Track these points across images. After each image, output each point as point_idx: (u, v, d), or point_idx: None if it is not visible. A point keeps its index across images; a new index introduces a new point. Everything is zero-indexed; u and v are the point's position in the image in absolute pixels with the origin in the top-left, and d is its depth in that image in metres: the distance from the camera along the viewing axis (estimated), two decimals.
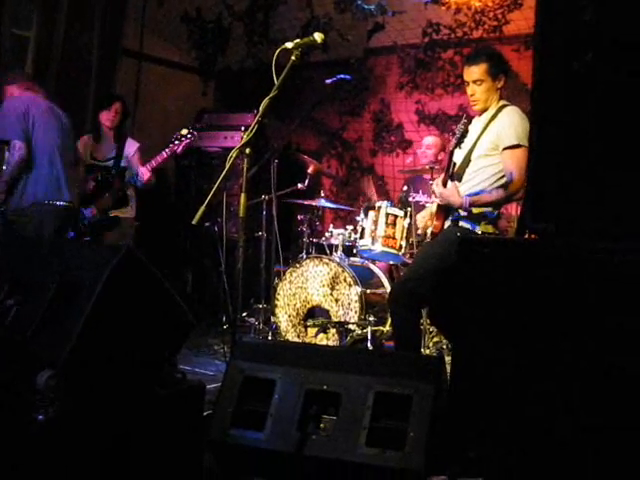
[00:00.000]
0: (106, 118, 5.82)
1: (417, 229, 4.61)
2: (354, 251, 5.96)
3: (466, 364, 2.26)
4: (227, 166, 3.68)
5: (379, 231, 5.60)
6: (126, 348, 2.60)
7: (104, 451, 2.44)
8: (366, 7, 7.66)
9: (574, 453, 1.96)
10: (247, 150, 3.63)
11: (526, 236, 2.26)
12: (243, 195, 3.61)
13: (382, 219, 5.51)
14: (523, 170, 3.87)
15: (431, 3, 7.39)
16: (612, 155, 1.85)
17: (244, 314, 6.48)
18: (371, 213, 5.77)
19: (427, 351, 5.39)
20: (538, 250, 1.95)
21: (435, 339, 5.63)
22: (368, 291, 5.53)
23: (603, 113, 1.82)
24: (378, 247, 5.50)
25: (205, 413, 2.97)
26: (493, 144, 4.00)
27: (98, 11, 7.12)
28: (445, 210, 4.07)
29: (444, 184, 3.99)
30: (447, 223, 4.08)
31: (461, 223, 4.03)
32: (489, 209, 4.03)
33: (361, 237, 5.85)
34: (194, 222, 4.02)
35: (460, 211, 4.02)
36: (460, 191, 3.99)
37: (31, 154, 5.01)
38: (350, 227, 6.03)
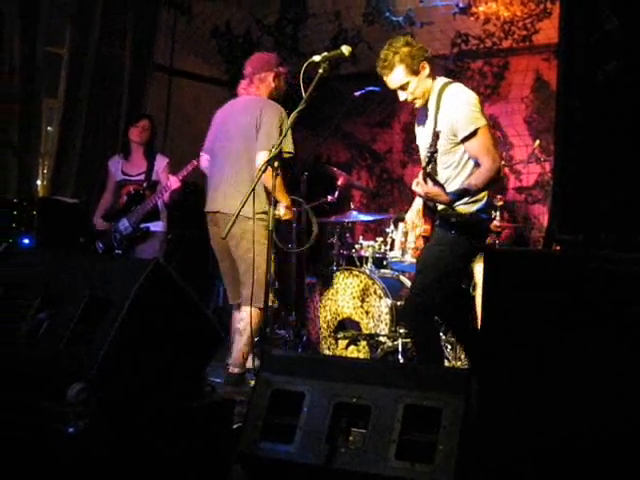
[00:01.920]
0: (135, 134, 5.89)
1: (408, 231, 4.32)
2: (384, 263, 5.94)
3: (496, 376, 2.24)
4: (256, 179, 3.71)
5: (409, 243, 5.57)
6: (156, 361, 2.62)
7: (134, 464, 2.45)
8: (394, 19, 7.67)
9: (605, 466, 1.93)
10: (275, 163, 3.66)
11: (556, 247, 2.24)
12: (271, 208, 3.64)
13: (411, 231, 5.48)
14: (491, 149, 3.74)
15: (459, 14, 7.37)
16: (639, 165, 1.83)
17: (275, 326, 6.49)
18: (401, 225, 5.76)
19: (459, 363, 5.35)
20: (565, 262, 1.93)
21: None
22: (399, 303, 5.50)
23: (629, 122, 1.80)
24: (408, 259, 5.47)
25: (234, 425, 2.98)
26: (451, 136, 3.80)
27: (130, 27, 7.24)
28: (432, 211, 3.92)
29: (426, 182, 3.71)
30: (437, 221, 3.93)
31: (452, 220, 3.82)
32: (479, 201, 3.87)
33: (391, 249, 5.84)
34: (223, 236, 4.06)
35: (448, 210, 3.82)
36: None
37: None
38: (380, 239, 6.01)
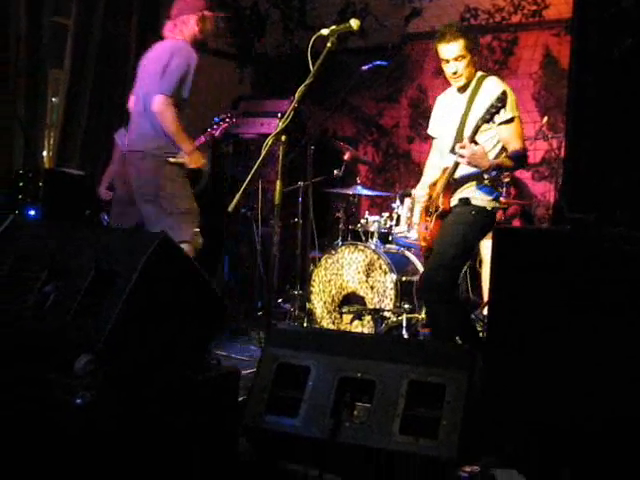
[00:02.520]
0: None
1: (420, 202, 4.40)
2: (390, 238, 5.94)
3: (502, 354, 2.24)
4: (263, 153, 3.69)
5: (415, 218, 5.56)
6: (162, 334, 2.63)
7: (140, 436, 2.47)
8: None
9: (610, 447, 1.94)
10: (283, 137, 3.64)
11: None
12: (279, 182, 3.62)
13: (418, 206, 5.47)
14: (522, 137, 4.05)
15: None
16: None
17: (279, 300, 6.51)
18: (407, 200, 5.75)
19: None
20: (576, 241, 1.92)
21: None
22: (404, 278, 5.51)
23: None
24: (414, 234, 5.46)
25: (240, 398, 3.00)
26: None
27: (135, 3, 7.18)
28: (453, 186, 4.10)
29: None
30: (453, 201, 4.11)
31: (474, 202, 4.07)
32: (488, 187, 4.10)
33: (397, 224, 5.84)
34: (230, 209, 4.05)
35: (472, 186, 4.08)
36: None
37: None
38: (386, 214, 6.01)
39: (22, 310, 2.62)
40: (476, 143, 3.90)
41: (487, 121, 3.85)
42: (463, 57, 4.08)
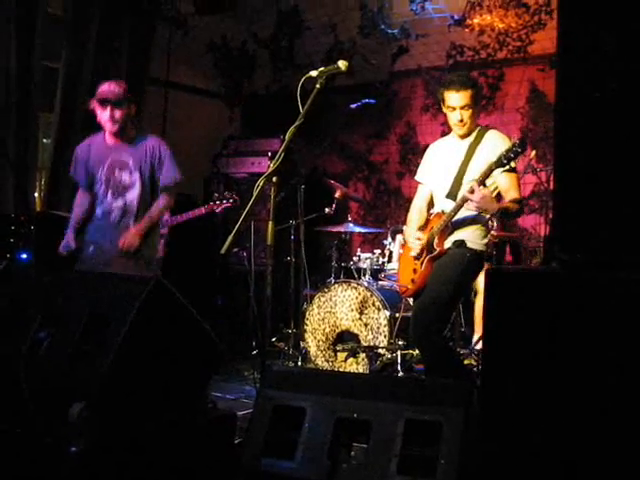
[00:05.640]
0: None
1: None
2: (382, 275, 5.94)
3: (497, 392, 2.24)
4: (255, 194, 3.71)
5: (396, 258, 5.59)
6: (157, 378, 2.62)
7: None
8: (390, 31, 7.71)
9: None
10: (274, 178, 3.65)
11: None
12: (271, 223, 3.62)
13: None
14: (520, 190, 4.13)
15: (454, 26, 7.42)
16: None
17: (273, 339, 6.49)
18: (398, 236, 5.79)
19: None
20: (567, 282, 1.93)
21: (465, 362, 5.59)
22: (397, 315, 5.51)
23: (629, 140, 1.81)
24: None
25: (236, 440, 2.98)
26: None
27: (126, 41, 7.25)
28: (448, 231, 4.11)
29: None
30: (447, 244, 4.12)
31: (469, 245, 4.10)
32: (482, 230, 4.17)
33: (389, 261, 5.86)
34: (223, 251, 4.06)
35: (467, 230, 4.12)
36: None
37: None
38: (378, 251, 6.02)
39: (16, 357, 2.60)
40: (485, 186, 3.93)
41: (503, 165, 3.85)
42: (469, 107, 4.12)
